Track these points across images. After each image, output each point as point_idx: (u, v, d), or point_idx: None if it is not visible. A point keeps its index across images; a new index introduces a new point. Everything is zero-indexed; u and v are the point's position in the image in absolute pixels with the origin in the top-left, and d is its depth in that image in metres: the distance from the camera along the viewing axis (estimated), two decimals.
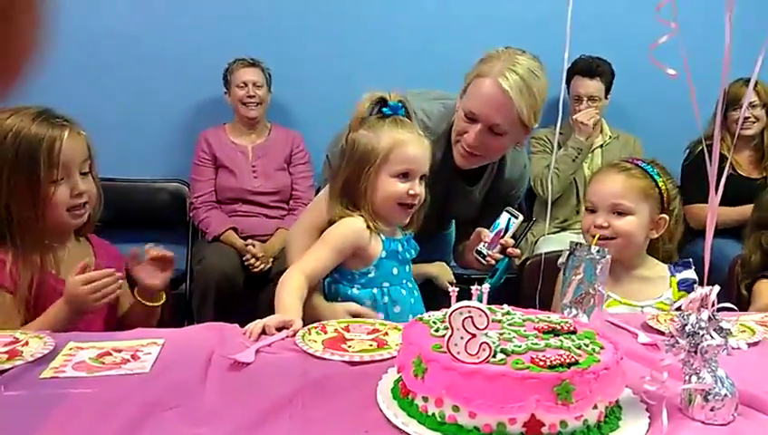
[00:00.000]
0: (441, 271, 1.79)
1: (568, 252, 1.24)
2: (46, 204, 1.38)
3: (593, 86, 3.02)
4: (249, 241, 2.81)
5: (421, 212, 1.55)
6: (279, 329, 1.22)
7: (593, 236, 1.52)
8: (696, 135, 2.75)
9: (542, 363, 0.82)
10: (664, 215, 1.58)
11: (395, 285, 1.52)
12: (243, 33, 3.08)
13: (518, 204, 1.90)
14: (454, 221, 2.02)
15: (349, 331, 1.25)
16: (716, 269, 0.97)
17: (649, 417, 0.89)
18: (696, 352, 0.90)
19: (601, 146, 3.12)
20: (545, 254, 1.71)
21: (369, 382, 0.97)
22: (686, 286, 1.54)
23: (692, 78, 0.87)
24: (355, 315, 1.39)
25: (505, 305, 1.07)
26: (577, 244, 1.24)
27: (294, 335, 1.19)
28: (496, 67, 1.57)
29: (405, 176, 1.47)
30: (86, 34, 2.83)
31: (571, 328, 0.97)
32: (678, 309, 0.92)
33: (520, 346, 0.87)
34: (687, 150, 3.00)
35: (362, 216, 1.47)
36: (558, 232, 3.00)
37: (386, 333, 1.24)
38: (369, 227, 1.47)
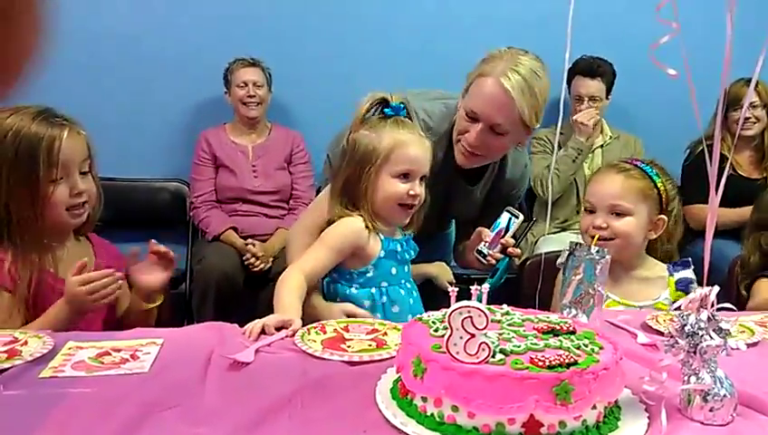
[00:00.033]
0: (441, 271, 1.79)
1: (567, 252, 1.23)
2: (45, 203, 1.38)
3: (594, 86, 3.02)
4: (249, 241, 2.80)
5: (421, 213, 1.55)
6: (278, 329, 1.22)
7: (592, 237, 1.52)
8: (696, 135, 2.75)
9: (541, 364, 0.82)
10: (662, 215, 1.58)
11: (393, 285, 1.52)
12: (243, 33, 3.08)
13: (518, 204, 1.90)
14: (454, 221, 2.02)
15: (348, 331, 1.25)
16: (716, 270, 0.97)
17: (648, 417, 0.89)
18: (695, 353, 0.90)
19: (602, 146, 3.12)
20: (545, 254, 1.71)
21: (368, 382, 0.97)
22: (682, 286, 1.54)
23: (692, 78, 0.87)
24: (351, 316, 1.39)
25: (505, 306, 1.07)
26: (576, 244, 1.24)
27: (294, 335, 1.19)
28: (499, 67, 1.57)
29: (405, 176, 1.47)
30: (86, 34, 2.83)
31: (571, 328, 0.97)
32: (678, 309, 0.92)
33: (519, 346, 0.87)
34: (688, 151, 3.00)
35: (361, 215, 1.47)
36: (558, 232, 3.00)
37: (385, 333, 1.24)
38: (367, 226, 1.47)
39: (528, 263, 1.86)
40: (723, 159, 0.88)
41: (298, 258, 1.49)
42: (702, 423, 0.89)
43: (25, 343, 1.14)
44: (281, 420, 0.88)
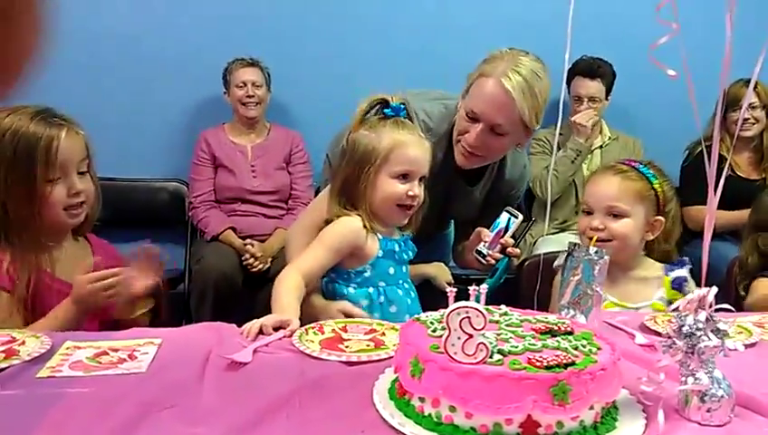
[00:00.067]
0: (439, 271, 1.79)
1: (566, 253, 1.24)
2: (43, 203, 1.38)
3: (594, 87, 3.02)
4: (248, 241, 2.80)
5: (419, 213, 1.55)
6: (276, 329, 1.22)
7: (590, 239, 1.52)
8: (695, 137, 2.75)
9: (538, 364, 0.82)
10: (660, 217, 1.58)
11: (391, 285, 1.51)
12: (243, 33, 3.08)
13: (517, 204, 1.90)
14: (453, 221, 2.02)
15: (346, 331, 1.25)
16: (714, 271, 0.97)
17: (646, 418, 0.88)
18: (693, 354, 0.90)
19: (601, 147, 3.12)
20: (544, 254, 1.71)
21: (366, 383, 0.97)
22: (676, 284, 1.54)
23: (692, 79, 0.87)
24: (348, 315, 1.39)
25: (503, 306, 1.07)
26: (575, 245, 1.24)
27: (291, 335, 1.19)
28: (499, 67, 1.57)
29: (404, 177, 1.47)
30: (86, 34, 2.83)
31: (568, 329, 0.97)
32: (676, 310, 0.92)
33: (517, 347, 0.87)
34: (687, 152, 2.99)
35: (360, 215, 1.47)
36: (557, 233, 3.00)
37: (383, 334, 1.24)
38: (366, 226, 1.47)
39: (527, 263, 1.86)
40: (722, 159, 0.88)
41: (297, 258, 1.49)
42: (699, 424, 0.89)
43: (23, 342, 1.14)
44: (278, 421, 0.88)
